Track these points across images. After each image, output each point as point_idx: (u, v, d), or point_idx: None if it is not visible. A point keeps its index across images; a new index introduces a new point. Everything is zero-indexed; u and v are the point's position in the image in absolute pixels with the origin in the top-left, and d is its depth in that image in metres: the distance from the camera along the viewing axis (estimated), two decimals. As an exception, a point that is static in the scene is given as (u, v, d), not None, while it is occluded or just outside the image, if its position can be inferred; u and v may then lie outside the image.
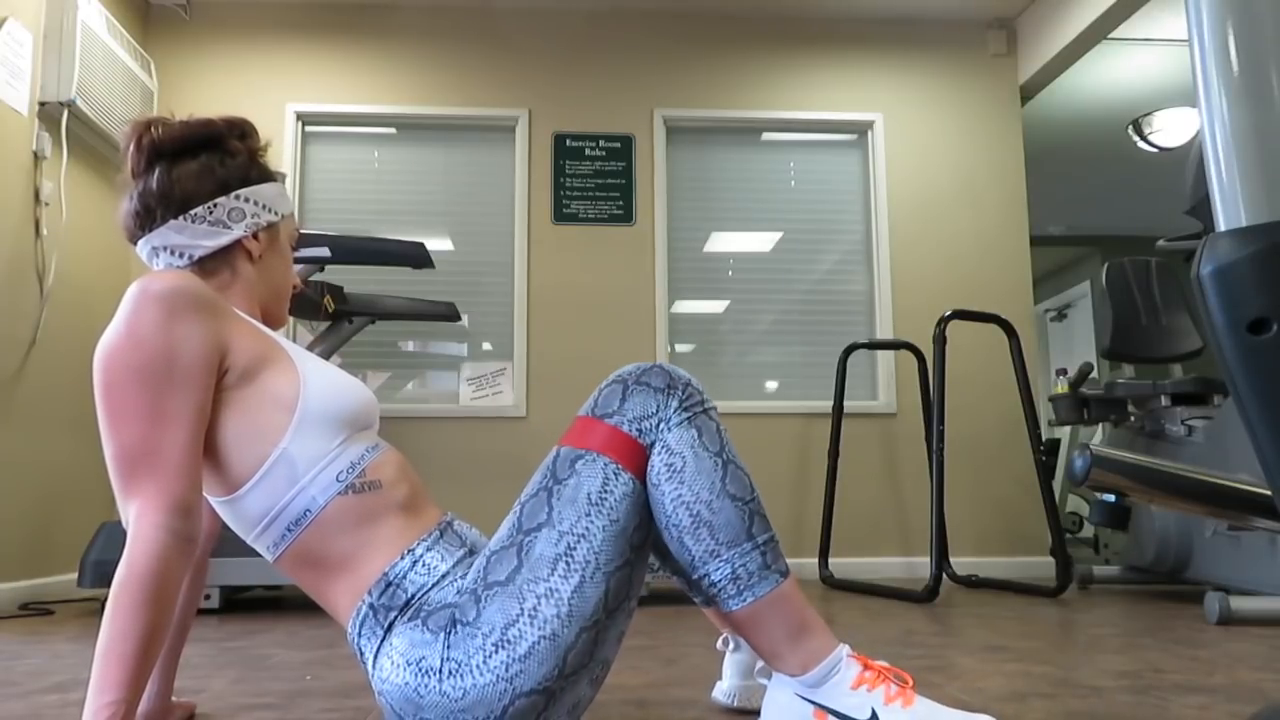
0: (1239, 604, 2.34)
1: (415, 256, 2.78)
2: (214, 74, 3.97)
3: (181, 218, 1.15)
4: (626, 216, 4.03)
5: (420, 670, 0.99)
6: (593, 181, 4.04)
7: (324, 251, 2.65)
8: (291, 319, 3.83)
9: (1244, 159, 0.83)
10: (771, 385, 4.05)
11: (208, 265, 1.17)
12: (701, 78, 4.16)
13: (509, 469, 3.83)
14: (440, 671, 0.98)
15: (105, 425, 0.99)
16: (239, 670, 1.72)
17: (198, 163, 1.17)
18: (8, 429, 2.88)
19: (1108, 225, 6.96)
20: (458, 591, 1.04)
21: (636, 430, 1.07)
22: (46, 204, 3.11)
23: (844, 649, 1.09)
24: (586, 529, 1.02)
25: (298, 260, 2.62)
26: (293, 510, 1.04)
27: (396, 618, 1.03)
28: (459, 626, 1.00)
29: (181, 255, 1.16)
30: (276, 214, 1.22)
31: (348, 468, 1.07)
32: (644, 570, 1.09)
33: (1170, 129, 5.03)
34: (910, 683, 1.10)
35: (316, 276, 2.89)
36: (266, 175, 1.22)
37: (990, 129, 4.23)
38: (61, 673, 1.71)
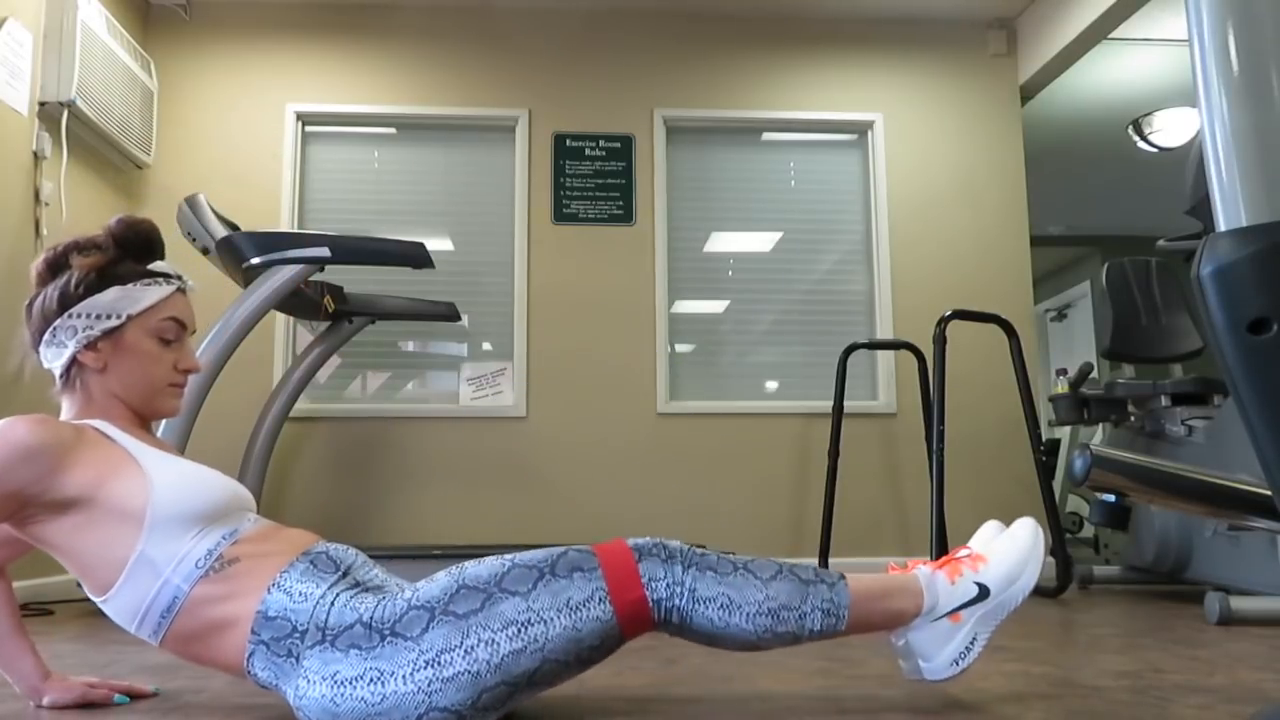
0: (1239, 604, 2.34)
1: (415, 256, 2.78)
2: (214, 74, 3.97)
3: (41, 344, 1.31)
4: (626, 216, 4.03)
5: (335, 682, 1.12)
6: (593, 181, 4.04)
7: (324, 251, 2.65)
8: (292, 319, 3.84)
9: (1244, 159, 0.83)
10: (771, 385, 4.05)
11: (68, 382, 1.31)
12: (701, 78, 4.16)
13: (509, 469, 3.83)
14: (359, 680, 1.11)
15: None
16: (239, 670, 1.71)
17: (50, 287, 1.31)
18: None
19: (1108, 225, 6.95)
20: (369, 611, 1.15)
21: (646, 579, 1.19)
22: (46, 204, 3.11)
23: (921, 570, 1.32)
24: (550, 619, 1.15)
25: (298, 260, 2.62)
26: (161, 601, 1.17)
27: (298, 645, 1.15)
28: (394, 639, 1.12)
29: (55, 375, 1.31)
30: (117, 318, 1.30)
31: (204, 555, 1.18)
32: (574, 675, 1.21)
33: (1170, 129, 5.03)
34: (971, 551, 1.36)
35: (317, 276, 2.89)
36: (108, 281, 1.30)
37: (990, 129, 4.22)
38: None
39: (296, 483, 3.76)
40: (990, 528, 1.43)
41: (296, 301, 3.11)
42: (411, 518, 3.78)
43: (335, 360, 3.86)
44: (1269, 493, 2.04)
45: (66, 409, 1.32)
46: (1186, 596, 3.06)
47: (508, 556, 1.21)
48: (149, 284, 1.33)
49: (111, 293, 1.30)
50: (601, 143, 4.07)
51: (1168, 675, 1.62)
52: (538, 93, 4.09)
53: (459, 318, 3.59)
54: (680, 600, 1.20)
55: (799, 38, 4.23)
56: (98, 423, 1.27)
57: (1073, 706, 1.36)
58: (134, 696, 1.43)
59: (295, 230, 3.85)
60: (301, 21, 4.04)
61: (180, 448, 2.43)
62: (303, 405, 3.75)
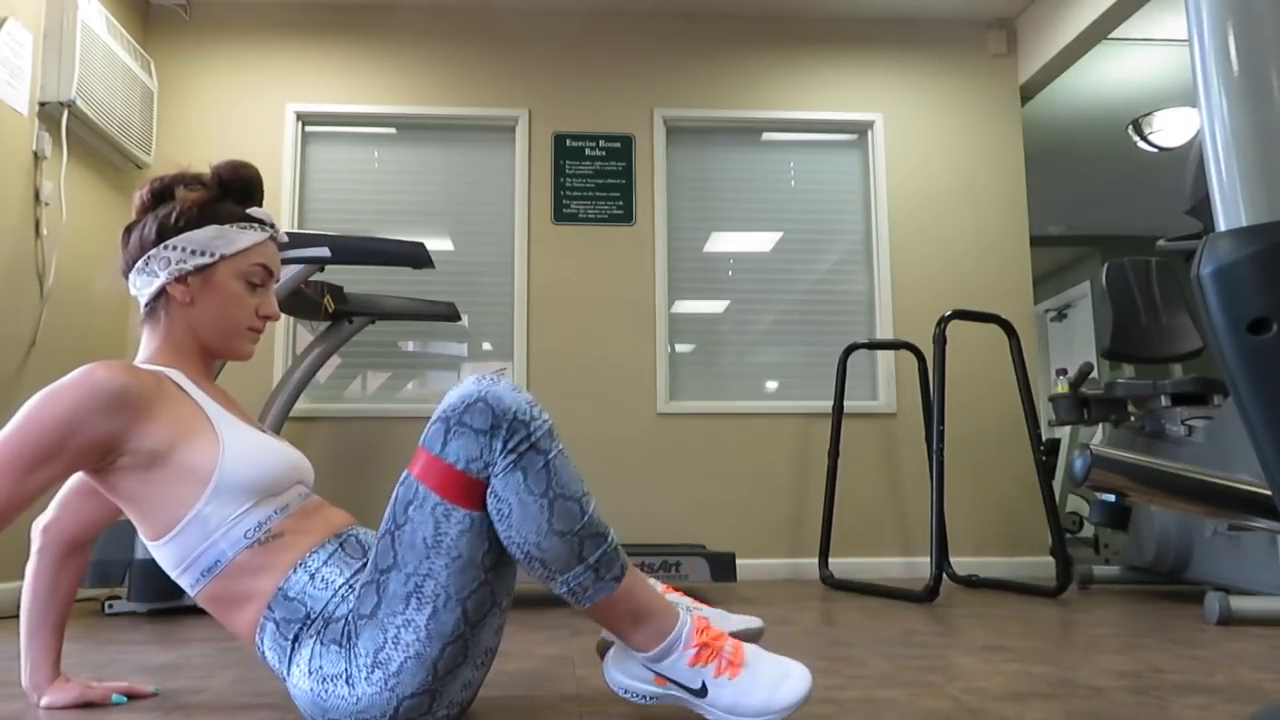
0: (1239, 604, 2.35)
1: (415, 256, 2.78)
2: (214, 74, 3.97)
3: (133, 270, 1.33)
4: (626, 216, 4.03)
5: (321, 678, 1.14)
6: (593, 181, 4.04)
7: (324, 251, 2.65)
8: (292, 319, 3.83)
9: (1244, 159, 0.83)
10: (771, 385, 4.05)
11: (152, 312, 1.33)
12: (701, 78, 4.16)
13: (509, 469, 3.83)
14: (337, 679, 1.13)
15: (6, 429, 1.16)
16: (239, 670, 1.72)
17: (150, 216, 1.33)
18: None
19: (1108, 225, 6.96)
20: (347, 612, 1.17)
21: (465, 468, 1.12)
22: (46, 204, 3.11)
23: (684, 628, 1.20)
24: (430, 569, 1.12)
25: (298, 260, 2.62)
26: (204, 560, 1.19)
27: (301, 630, 1.17)
28: (350, 643, 1.14)
29: (141, 303, 1.34)
30: (210, 255, 1.31)
31: (254, 527, 1.20)
32: (510, 578, 1.20)
33: (1170, 129, 5.03)
34: (740, 648, 1.21)
35: (316, 276, 2.89)
36: (207, 219, 1.32)
37: (990, 129, 4.23)
38: (61, 673, 1.71)
39: (296, 483, 3.75)
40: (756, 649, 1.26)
41: (296, 301, 3.11)
42: (411, 518, 3.78)
43: (335, 360, 3.86)
44: (1269, 493, 2.04)
45: (146, 339, 1.34)
46: (1186, 596, 3.06)
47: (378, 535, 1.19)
48: (245, 228, 1.35)
49: (209, 230, 1.32)
50: (601, 143, 4.07)
51: (1168, 675, 1.62)
52: (538, 93, 4.09)
53: (459, 318, 3.59)
54: (480, 476, 1.13)
55: (799, 38, 4.23)
56: (173, 373, 1.28)
57: (1073, 706, 1.36)
58: (133, 697, 1.43)
59: (295, 230, 3.85)
60: (301, 21, 4.04)
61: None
62: (303, 405, 3.75)
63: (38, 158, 3.07)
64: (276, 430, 3.37)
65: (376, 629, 1.13)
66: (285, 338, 3.85)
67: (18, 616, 2.66)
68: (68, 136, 3.21)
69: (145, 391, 1.20)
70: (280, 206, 3.90)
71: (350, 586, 1.19)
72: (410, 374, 3.96)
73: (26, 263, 3.02)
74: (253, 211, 1.38)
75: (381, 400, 3.91)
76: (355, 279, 3.86)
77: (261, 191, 1.41)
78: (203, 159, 3.92)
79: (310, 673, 1.14)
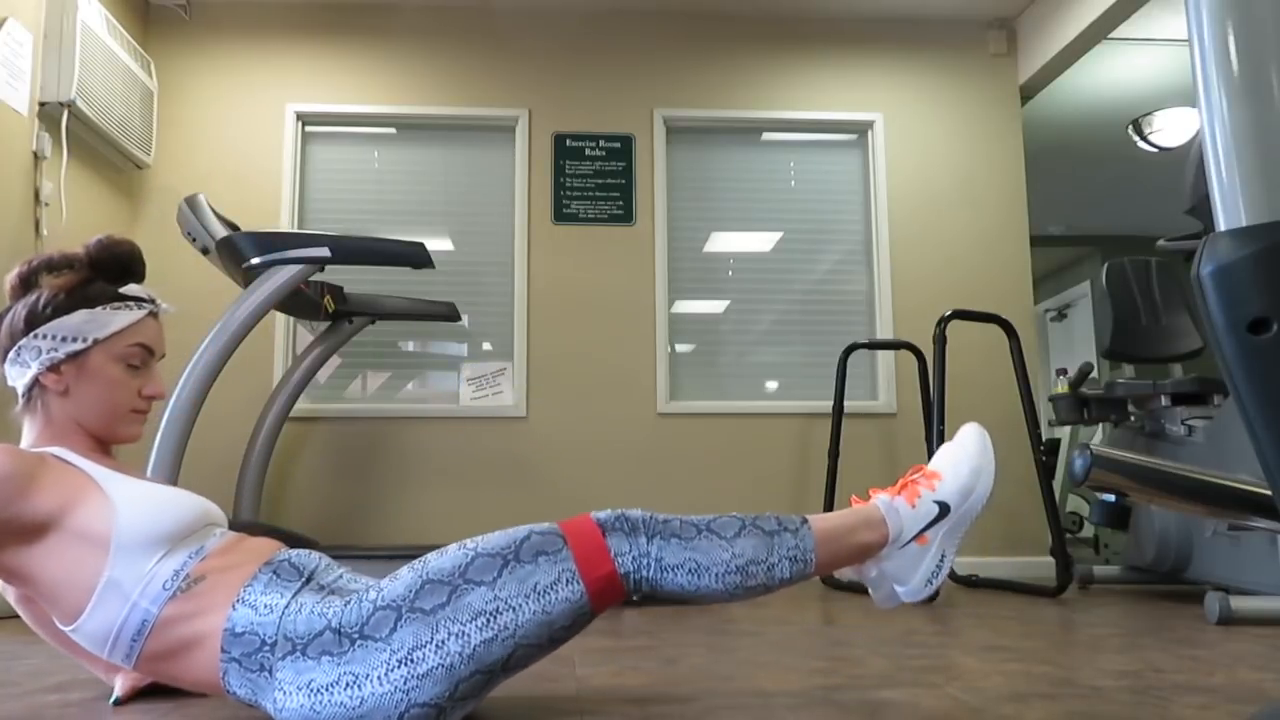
0: (1239, 604, 2.34)
1: (415, 256, 2.78)
2: (214, 74, 3.97)
3: (5, 361, 1.29)
4: (626, 216, 4.03)
5: (312, 691, 1.11)
6: (593, 181, 4.04)
7: (324, 251, 2.65)
8: (292, 319, 3.84)
9: (1244, 159, 0.83)
10: (771, 385, 4.05)
11: (29, 403, 1.30)
12: (701, 78, 4.16)
13: (509, 469, 3.83)
14: (335, 686, 1.11)
15: None
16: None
17: (19, 304, 1.29)
18: (8, 436, 2.88)
19: (1108, 225, 6.95)
20: (337, 615, 1.14)
21: (614, 555, 1.20)
22: (46, 204, 3.11)
23: (881, 500, 1.35)
24: (519, 605, 1.15)
25: (298, 260, 2.62)
26: (131, 625, 1.15)
27: (268, 658, 1.14)
28: (364, 642, 1.12)
29: (17, 393, 1.31)
30: (83, 341, 1.28)
31: (171, 576, 1.17)
32: (547, 654, 1.23)
33: (1170, 129, 5.03)
34: (922, 469, 1.39)
35: (317, 276, 2.89)
36: (76, 303, 1.29)
37: (990, 129, 4.22)
38: (61, 673, 1.71)
39: (296, 483, 3.76)
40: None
41: (296, 301, 3.11)
42: (411, 518, 3.78)
43: (335, 360, 3.86)
44: (1269, 493, 2.04)
45: (27, 430, 1.31)
46: (1186, 596, 3.06)
47: (469, 544, 1.20)
48: (118, 308, 1.31)
49: (79, 315, 1.28)
50: (601, 143, 4.07)
51: (1168, 675, 1.62)
52: (538, 93, 4.09)
53: (459, 318, 3.59)
54: (648, 571, 1.21)
55: (799, 38, 4.23)
56: (58, 450, 1.25)
57: (1073, 706, 1.36)
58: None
59: (295, 230, 3.85)
60: (301, 21, 4.04)
61: (179, 450, 2.43)
62: (303, 405, 3.75)
63: (38, 158, 3.07)
64: (276, 430, 3.38)
65: (426, 626, 1.12)
66: (285, 338, 3.85)
67: (17, 616, 2.66)
68: (68, 137, 3.21)
69: (26, 466, 1.16)
70: (280, 206, 3.90)
71: (299, 605, 1.17)
72: (410, 374, 3.96)
73: (26, 263, 3.02)
74: (127, 290, 1.34)
75: (381, 400, 3.91)
76: (355, 279, 3.86)
77: (141, 267, 1.37)
78: (203, 159, 3.93)
79: (300, 688, 1.12)
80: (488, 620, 1.13)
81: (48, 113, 3.09)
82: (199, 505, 1.26)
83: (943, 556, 1.33)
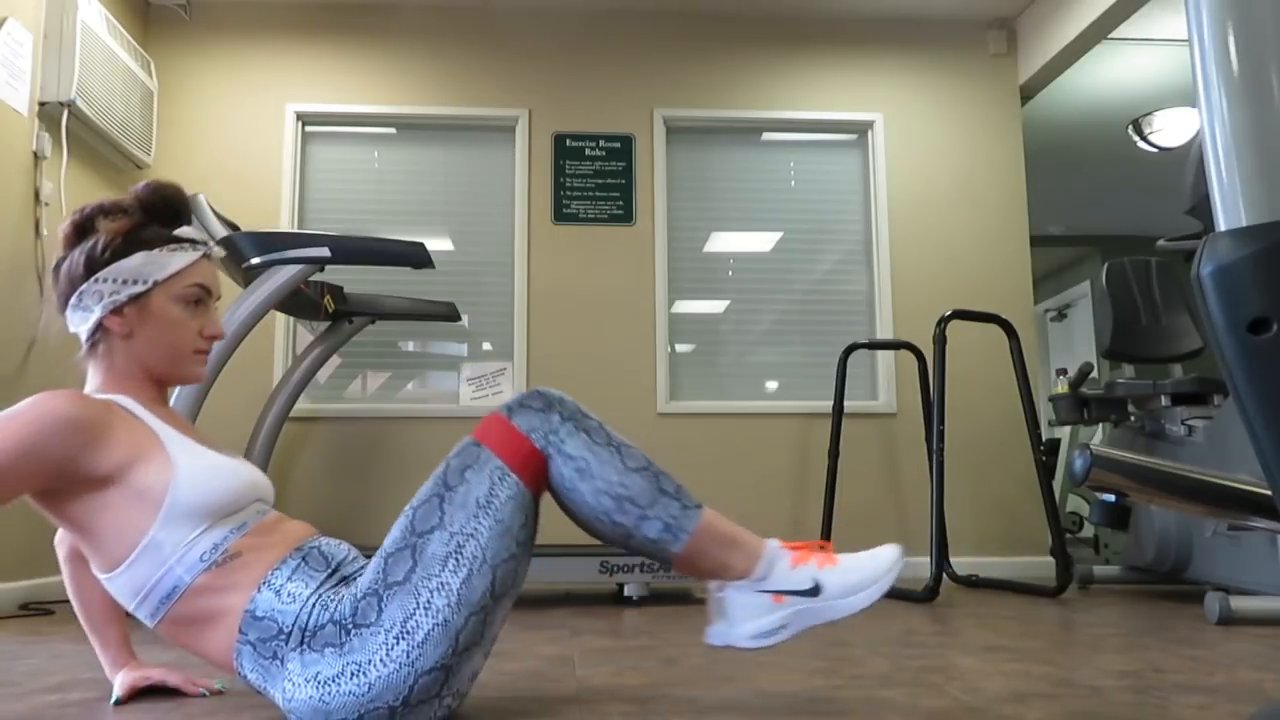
0: (1239, 604, 2.34)
1: (415, 256, 2.77)
2: (214, 74, 3.97)
3: (68, 308, 1.31)
4: (626, 216, 4.03)
5: (319, 683, 1.14)
6: (593, 181, 4.04)
7: (324, 251, 2.65)
8: (292, 319, 3.83)
9: (1244, 159, 0.83)
10: (771, 385, 4.05)
11: (94, 347, 1.31)
12: (701, 78, 4.16)
13: (509, 469, 3.83)
14: (340, 677, 1.13)
15: None
16: (239, 670, 1.71)
17: (76, 251, 1.30)
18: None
19: (1108, 225, 6.95)
20: (337, 609, 1.17)
21: (529, 433, 1.23)
22: (46, 204, 3.11)
23: (774, 543, 1.31)
24: (475, 529, 1.18)
25: (298, 260, 2.62)
26: (162, 588, 1.18)
27: (280, 647, 1.16)
28: (358, 630, 1.14)
29: (81, 339, 1.32)
30: (143, 283, 1.29)
31: (210, 549, 1.19)
32: (528, 563, 1.26)
33: (1170, 129, 5.03)
34: (829, 548, 1.34)
35: (317, 276, 2.89)
36: (134, 246, 1.29)
37: (990, 129, 4.22)
38: (61, 673, 1.71)
39: (296, 483, 3.76)
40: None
41: (296, 301, 3.11)
42: (411, 518, 3.78)
43: (335, 360, 3.86)
44: (1269, 493, 2.04)
45: (92, 375, 1.32)
46: (1186, 596, 3.06)
47: (407, 507, 1.23)
48: (175, 249, 1.32)
49: (137, 258, 1.30)
50: (601, 143, 4.07)
51: (1168, 675, 1.62)
52: (538, 93, 4.09)
53: (459, 318, 3.59)
54: (550, 448, 1.24)
55: (799, 38, 4.23)
56: (123, 399, 1.27)
57: (1073, 706, 1.36)
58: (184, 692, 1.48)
59: (295, 230, 3.85)
60: (301, 21, 4.04)
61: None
62: (303, 405, 3.75)
63: (38, 158, 3.07)
64: (276, 431, 3.37)
65: (408, 595, 1.14)
66: (285, 338, 3.85)
67: (17, 616, 2.66)
68: (68, 136, 3.21)
69: (97, 416, 1.18)
70: (280, 206, 3.90)
71: (319, 597, 1.19)
72: (410, 374, 3.96)
73: (26, 263, 3.02)
74: (181, 231, 1.35)
75: (381, 400, 3.91)
76: (355, 279, 3.86)
77: (188, 210, 1.39)
78: (203, 159, 3.93)
79: (308, 681, 1.14)
80: (456, 559, 1.16)
81: (48, 113, 3.09)
82: (252, 480, 1.28)
83: (784, 627, 1.28)
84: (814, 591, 1.27)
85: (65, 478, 1.16)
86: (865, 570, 1.29)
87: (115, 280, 1.28)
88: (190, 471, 1.20)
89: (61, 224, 1.34)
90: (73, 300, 1.29)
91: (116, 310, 1.29)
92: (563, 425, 1.24)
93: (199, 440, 1.30)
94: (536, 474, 1.23)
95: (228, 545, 1.20)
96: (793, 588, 1.27)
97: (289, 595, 1.18)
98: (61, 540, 1.44)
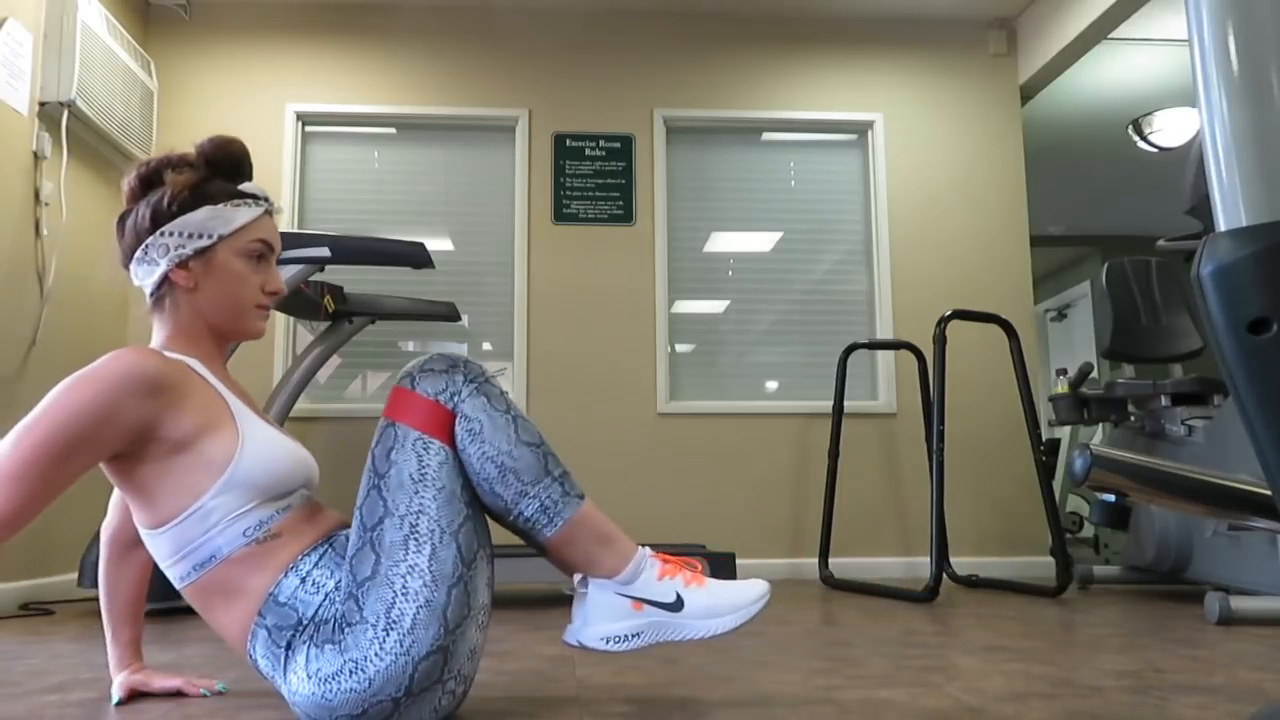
0: (1239, 604, 2.34)
1: (415, 256, 2.77)
2: (214, 74, 3.97)
3: (133, 261, 1.31)
4: (626, 216, 4.03)
5: (320, 680, 1.14)
6: (593, 181, 4.04)
7: (324, 251, 2.65)
8: (292, 319, 3.83)
9: (1244, 159, 0.83)
10: (771, 385, 4.05)
11: (158, 300, 1.32)
12: (701, 78, 4.16)
13: (509, 469, 3.83)
14: (340, 674, 1.13)
15: (29, 419, 1.12)
16: (239, 670, 1.72)
17: (142, 204, 1.31)
18: (8, 428, 2.88)
19: (1108, 225, 6.96)
20: (340, 604, 1.17)
21: (436, 398, 1.23)
22: (46, 204, 3.11)
23: (646, 550, 1.30)
24: (421, 505, 1.18)
25: (298, 260, 2.62)
26: (202, 552, 1.19)
27: (294, 638, 1.17)
28: (349, 628, 1.14)
29: (146, 293, 1.33)
30: (209, 237, 1.30)
31: (255, 525, 1.20)
32: (484, 520, 1.26)
33: (1170, 129, 5.03)
34: (699, 568, 1.33)
35: (317, 276, 2.89)
36: (200, 200, 1.30)
37: (990, 129, 4.22)
38: (61, 673, 1.71)
39: (296, 483, 3.75)
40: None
41: (296, 301, 3.10)
42: (411, 518, 3.78)
43: (335, 360, 3.86)
44: (1269, 493, 2.03)
45: (158, 328, 1.32)
46: (1186, 596, 3.06)
47: (354, 511, 1.23)
48: (239, 205, 1.33)
49: (203, 211, 1.30)
50: (601, 143, 4.07)
51: (1168, 675, 1.62)
52: (538, 93, 4.09)
53: (459, 318, 3.59)
54: (450, 404, 1.23)
55: (799, 38, 4.23)
56: (191, 361, 1.27)
57: (1073, 706, 1.36)
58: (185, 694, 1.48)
59: (295, 230, 3.85)
60: (301, 21, 4.04)
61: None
62: (303, 405, 3.75)
63: (38, 158, 3.07)
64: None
65: (383, 586, 1.14)
66: (285, 338, 3.85)
67: (17, 616, 2.66)
68: (68, 136, 3.21)
69: (176, 378, 1.19)
70: (280, 206, 3.90)
71: (338, 588, 1.19)
72: (410, 374, 3.95)
73: (26, 263, 3.02)
74: (245, 187, 1.35)
75: (381, 400, 3.90)
76: (355, 279, 3.86)
77: (250, 165, 1.40)
78: (203, 159, 3.92)
79: (309, 677, 1.14)
80: (415, 539, 1.16)
81: (48, 113, 3.09)
82: (306, 464, 1.30)
83: (637, 635, 1.27)
84: (675, 606, 1.27)
85: (141, 439, 1.17)
86: (730, 597, 1.28)
87: (181, 234, 1.29)
88: (254, 446, 1.21)
89: (126, 177, 1.34)
90: (138, 254, 1.30)
91: (182, 264, 1.29)
92: (465, 385, 1.24)
93: (258, 413, 1.31)
94: (450, 430, 1.23)
95: (271, 525, 1.21)
96: (654, 598, 1.27)
97: (313, 584, 1.19)
98: (105, 529, 1.44)
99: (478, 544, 1.21)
